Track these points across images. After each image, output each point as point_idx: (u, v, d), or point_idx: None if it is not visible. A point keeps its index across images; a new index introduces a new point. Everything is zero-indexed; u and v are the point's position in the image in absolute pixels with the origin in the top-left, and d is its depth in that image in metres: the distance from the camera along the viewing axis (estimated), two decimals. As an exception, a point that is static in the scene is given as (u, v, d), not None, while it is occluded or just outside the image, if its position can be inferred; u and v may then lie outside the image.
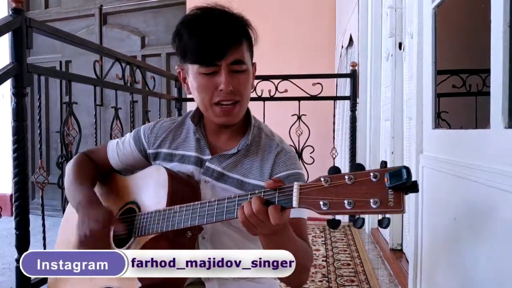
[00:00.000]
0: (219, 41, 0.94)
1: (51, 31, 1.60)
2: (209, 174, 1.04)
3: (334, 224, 0.72)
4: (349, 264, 2.40)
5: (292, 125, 2.95)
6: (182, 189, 1.00)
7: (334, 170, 0.73)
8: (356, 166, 0.71)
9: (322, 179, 0.72)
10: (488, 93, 1.03)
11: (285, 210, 0.77)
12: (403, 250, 2.40)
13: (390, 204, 0.66)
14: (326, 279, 2.18)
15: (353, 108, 3.04)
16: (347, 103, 3.25)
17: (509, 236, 0.92)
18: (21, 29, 1.40)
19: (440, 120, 1.56)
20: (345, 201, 0.69)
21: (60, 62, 5.09)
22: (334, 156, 3.12)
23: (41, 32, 1.54)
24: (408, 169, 0.65)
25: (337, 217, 0.72)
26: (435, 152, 1.43)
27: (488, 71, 1.03)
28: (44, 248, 1.68)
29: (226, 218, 0.84)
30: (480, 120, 1.24)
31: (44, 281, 1.64)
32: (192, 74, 1.00)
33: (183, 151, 1.08)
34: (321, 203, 0.71)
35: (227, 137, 1.07)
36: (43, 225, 1.71)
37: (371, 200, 0.67)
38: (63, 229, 1.20)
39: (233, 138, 1.07)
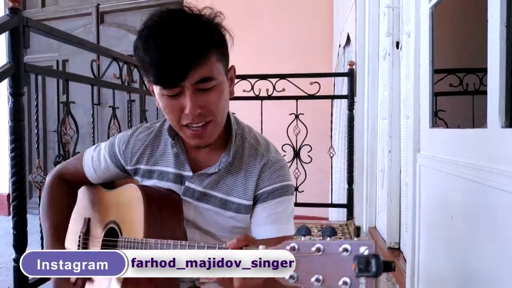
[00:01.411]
0: (180, 59, 0.80)
1: (48, 30, 1.60)
2: (190, 195, 0.97)
3: None
4: (346, 263, 2.40)
5: (290, 124, 2.95)
6: (160, 211, 0.95)
7: (304, 231, 0.66)
8: (328, 231, 0.64)
9: (288, 246, 0.65)
10: (485, 92, 1.03)
11: None
12: (401, 248, 2.41)
13: None
14: (324, 277, 2.18)
15: (351, 107, 3.05)
16: (344, 102, 3.25)
17: (506, 235, 0.93)
18: (18, 28, 1.39)
19: (437, 119, 1.56)
20: (313, 278, 0.62)
21: (57, 61, 5.08)
22: (331, 155, 3.12)
23: (38, 32, 1.54)
24: (377, 259, 0.58)
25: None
26: (432, 151, 1.44)
27: (485, 70, 1.03)
28: (42, 248, 1.68)
29: None
30: (477, 119, 1.24)
31: (42, 281, 1.64)
32: (156, 94, 0.89)
33: (161, 167, 1.01)
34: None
35: (208, 149, 0.98)
36: (40, 225, 1.70)
37: (340, 281, 0.60)
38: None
39: (214, 151, 0.98)
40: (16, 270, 1.47)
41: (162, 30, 0.82)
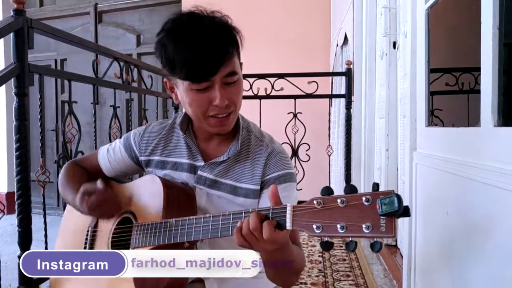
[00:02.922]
0: (211, 56, 0.89)
1: (52, 31, 1.62)
2: (202, 183, 1.04)
3: (327, 246, 0.72)
4: (344, 260, 2.44)
5: (288, 123, 2.98)
6: (177, 199, 1.00)
7: (327, 191, 0.73)
8: (349, 188, 0.72)
9: (315, 201, 0.72)
10: (480, 91, 1.06)
11: (280, 229, 0.77)
12: (398, 245, 2.44)
13: (382, 229, 0.67)
14: (323, 274, 2.22)
15: (348, 106, 3.08)
16: (342, 101, 3.28)
17: (500, 230, 0.95)
18: (22, 29, 1.42)
19: (434, 117, 1.59)
20: (338, 225, 0.69)
21: (55, 60, 5.07)
22: (329, 153, 3.15)
23: (42, 33, 1.55)
24: (399, 197, 0.65)
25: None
26: (428, 149, 1.47)
27: (479, 69, 1.06)
28: (46, 246, 1.70)
29: (221, 236, 0.84)
30: (472, 118, 1.27)
31: (46, 277, 1.65)
32: (182, 89, 0.96)
33: (175, 158, 1.08)
34: (314, 226, 0.71)
35: (217, 142, 1.07)
36: (45, 222, 1.72)
37: (363, 225, 0.68)
38: (63, 229, 1.22)
39: (223, 143, 1.06)
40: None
41: (189, 31, 0.91)
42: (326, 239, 0.72)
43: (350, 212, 0.69)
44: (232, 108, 0.98)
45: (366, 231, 0.67)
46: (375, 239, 0.68)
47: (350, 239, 0.70)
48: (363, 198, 0.68)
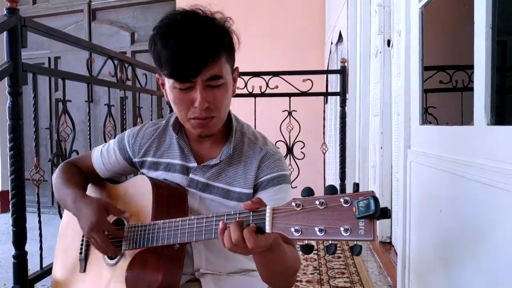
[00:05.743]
0: (194, 57, 0.87)
1: (46, 30, 1.61)
2: (194, 186, 1.03)
3: (307, 249, 0.70)
4: (339, 257, 2.45)
5: (283, 121, 2.98)
6: (167, 199, 0.99)
7: (307, 192, 0.71)
8: (329, 189, 0.70)
9: (293, 203, 0.70)
10: (473, 89, 1.07)
11: (262, 233, 0.75)
12: (392, 242, 2.46)
13: (360, 233, 0.64)
14: (318, 271, 2.23)
15: (343, 104, 3.09)
16: (337, 98, 3.29)
17: (494, 228, 0.96)
18: (16, 28, 1.41)
19: (428, 115, 1.60)
20: (316, 228, 0.67)
21: (49, 58, 5.04)
22: (324, 151, 3.16)
23: (35, 31, 1.54)
24: (376, 199, 0.63)
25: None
26: (422, 147, 1.48)
27: (473, 67, 1.06)
28: (41, 244, 1.70)
29: (205, 238, 0.84)
30: (466, 116, 1.28)
31: (41, 276, 1.65)
32: (167, 86, 0.96)
33: (168, 159, 1.07)
34: (292, 229, 0.69)
35: (210, 143, 1.05)
36: (39, 221, 1.72)
37: (342, 228, 0.65)
38: (62, 237, 1.21)
39: (216, 145, 1.05)
40: (16, 266, 1.48)
41: (180, 29, 0.90)
42: (306, 242, 0.70)
43: (329, 214, 0.67)
44: (214, 114, 0.95)
45: (345, 234, 0.65)
46: (355, 243, 0.66)
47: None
48: (342, 200, 0.66)
